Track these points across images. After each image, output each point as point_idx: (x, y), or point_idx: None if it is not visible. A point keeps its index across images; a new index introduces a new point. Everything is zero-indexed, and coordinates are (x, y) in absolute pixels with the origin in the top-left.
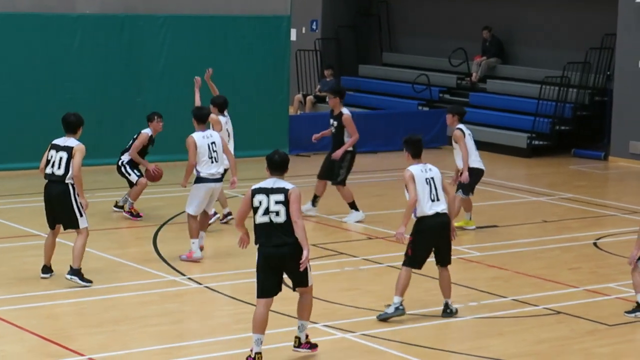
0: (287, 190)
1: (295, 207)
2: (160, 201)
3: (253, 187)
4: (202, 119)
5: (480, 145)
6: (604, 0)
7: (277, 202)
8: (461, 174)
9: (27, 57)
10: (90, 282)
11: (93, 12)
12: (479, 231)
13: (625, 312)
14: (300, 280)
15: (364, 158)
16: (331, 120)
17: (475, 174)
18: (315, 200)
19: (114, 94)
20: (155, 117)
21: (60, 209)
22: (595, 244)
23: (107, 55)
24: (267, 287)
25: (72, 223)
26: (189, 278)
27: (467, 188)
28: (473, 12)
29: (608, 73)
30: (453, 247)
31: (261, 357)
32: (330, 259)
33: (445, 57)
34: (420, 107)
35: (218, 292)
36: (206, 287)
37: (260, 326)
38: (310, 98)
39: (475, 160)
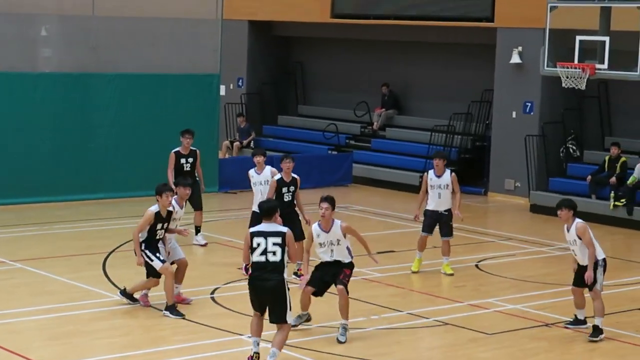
0: (284, 233)
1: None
2: (110, 232)
3: (252, 230)
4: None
5: (381, 184)
6: (483, 61)
7: (274, 244)
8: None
9: None
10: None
11: (51, 70)
12: (379, 255)
13: (565, 323)
14: (280, 315)
15: None
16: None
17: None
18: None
19: (69, 140)
20: (164, 192)
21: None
22: (477, 265)
23: (64, 107)
24: (257, 307)
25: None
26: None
27: (452, 230)
28: (374, 71)
29: (487, 122)
30: (358, 270)
31: (259, 357)
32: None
33: (351, 109)
34: (330, 152)
35: (159, 309)
36: (150, 305)
37: (255, 331)
38: (237, 144)
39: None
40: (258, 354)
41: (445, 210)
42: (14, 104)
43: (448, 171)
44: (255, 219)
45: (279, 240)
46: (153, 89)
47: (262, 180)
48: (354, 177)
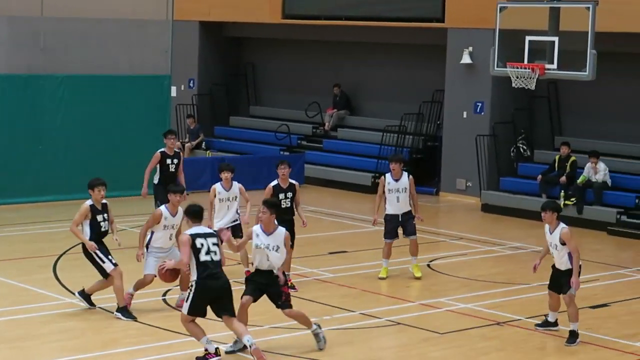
0: (216, 234)
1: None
2: (60, 235)
3: (190, 232)
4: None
5: (333, 184)
6: (434, 61)
7: (214, 244)
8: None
9: None
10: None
11: (1, 72)
12: (331, 255)
13: (536, 324)
14: (232, 308)
15: None
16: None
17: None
18: None
19: (19, 142)
20: (96, 187)
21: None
22: (429, 265)
23: (13, 109)
24: (202, 310)
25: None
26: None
27: (415, 228)
28: (325, 72)
29: (438, 122)
30: (310, 270)
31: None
32: None
33: (302, 110)
34: (281, 152)
35: (110, 311)
36: (100, 307)
37: (201, 332)
38: (188, 145)
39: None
40: (218, 348)
41: (405, 213)
42: None
43: (406, 174)
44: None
45: (216, 240)
46: (103, 91)
47: (230, 196)
48: (306, 178)
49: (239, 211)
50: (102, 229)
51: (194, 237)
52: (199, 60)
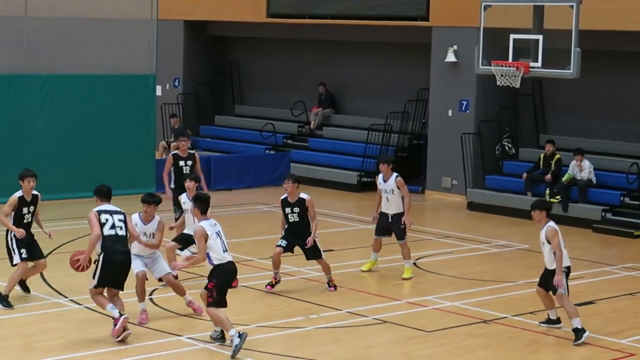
0: (124, 213)
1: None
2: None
3: (96, 209)
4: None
5: (318, 183)
6: (419, 60)
7: (120, 220)
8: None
9: None
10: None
11: None
12: None
13: (540, 322)
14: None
15: (220, 195)
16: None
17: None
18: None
19: (3, 143)
20: (25, 177)
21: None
22: (415, 263)
23: None
24: (109, 282)
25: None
26: (71, 300)
27: (404, 233)
28: (310, 71)
29: (423, 121)
30: (296, 269)
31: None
32: (191, 281)
33: (288, 109)
34: (267, 151)
35: (96, 311)
36: (86, 307)
37: (106, 302)
38: (173, 144)
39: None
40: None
41: (394, 214)
42: None
43: (394, 176)
44: (185, 240)
45: (123, 217)
46: (88, 90)
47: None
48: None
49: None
50: (25, 221)
51: (99, 212)
52: (184, 60)
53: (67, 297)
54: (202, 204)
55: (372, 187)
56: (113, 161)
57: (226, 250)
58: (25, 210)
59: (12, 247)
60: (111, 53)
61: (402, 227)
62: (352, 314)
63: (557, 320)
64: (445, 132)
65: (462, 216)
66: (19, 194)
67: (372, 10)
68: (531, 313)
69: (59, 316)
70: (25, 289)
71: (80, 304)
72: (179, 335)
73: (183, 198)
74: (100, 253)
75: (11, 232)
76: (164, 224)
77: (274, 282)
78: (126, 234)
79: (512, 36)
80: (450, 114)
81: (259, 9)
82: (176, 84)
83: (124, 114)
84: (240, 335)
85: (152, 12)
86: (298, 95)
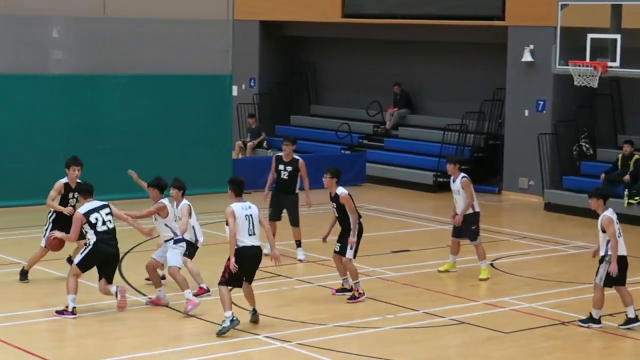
0: (108, 205)
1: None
2: (125, 233)
3: (81, 211)
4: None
5: (395, 183)
6: (495, 59)
7: (107, 214)
8: (454, 216)
9: (8, 111)
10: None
11: (62, 72)
12: (394, 254)
13: (579, 320)
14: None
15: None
16: (284, 166)
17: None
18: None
19: (79, 142)
20: (71, 166)
21: None
22: (492, 264)
23: (75, 109)
24: (88, 268)
25: None
26: (150, 298)
27: (475, 234)
28: (386, 70)
29: (499, 121)
30: (373, 269)
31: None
32: (269, 280)
33: (363, 109)
34: (342, 151)
35: (174, 309)
36: (167, 306)
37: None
38: (250, 144)
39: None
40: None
41: (465, 216)
42: (25, 106)
43: (460, 176)
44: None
45: (108, 210)
46: (164, 91)
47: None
48: (367, 177)
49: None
50: (69, 205)
51: (86, 215)
52: (260, 60)
53: (145, 295)
54: (235, 187)
55: (447, 187)
56: (189, 161)
57: (253, 234)
58: (70, 195)
59: (46, 230)
60: (187, 53)
61: (472, 228)
62: (429, 314)
63: (635, 319)
64: (521, 132)
65: (539, 217)
66: (64, 180)
67: (448, 10)
68: (610, 315)
69: (139, 313)
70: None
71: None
72: (256, 334)
73: (166, 202)
74: (95, 241)
75: (50, 217)
76: (187, 208)
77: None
78: (113, 225)
79: (589, 35)
80: (526, 113)
81: (335, 9)
82: (252, 84)
83: (200, 114)
84: (232, 320)
85: (228, 12)
86: (373, 95)
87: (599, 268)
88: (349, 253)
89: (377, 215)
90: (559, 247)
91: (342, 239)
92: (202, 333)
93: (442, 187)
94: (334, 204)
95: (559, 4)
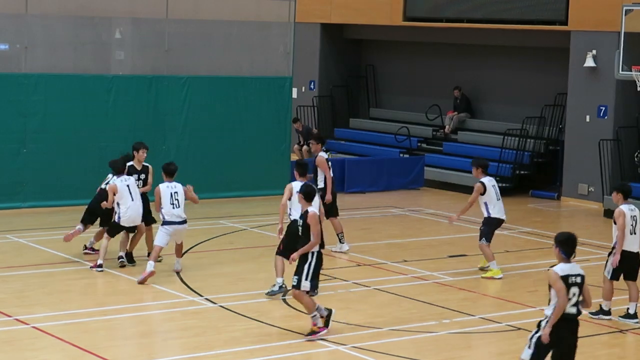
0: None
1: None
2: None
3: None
4: (170, 174)
5: (453, 187)
6: (557, 64)
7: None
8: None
9: (69, 110)
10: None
11: (125, 73)
12: (451, 259)
13: (590, 313)
14: None
15: (354, 197)
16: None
17: (495, 223)
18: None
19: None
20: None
21: None
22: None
23: (137, 110)
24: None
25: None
26: (206, 298)
27: (488, 235)
28: (446, 74)
29: (560, 126)
30: (428, 273)
31: None
32: (325, 283)
33: (423, 112)
34: (401, 155)
35: (231, 310)
36: (220, 306)
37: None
38: (305, 148)
39: (496, 210)
40: None
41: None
42: (88, 106)
43: (479, 179)
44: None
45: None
46: (225, 92)
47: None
48: (426, 181)
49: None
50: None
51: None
52: (320, 62)
53: (202, 296)
54: (300, 168)
55: (506, 192)
56: (249, 162)
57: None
58: (135, 177)
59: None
60: (249, 55)
61: (481, 228)
62: (485, 319)
63: (634, 316)
64: (582, 138)
65: (599, 224)
66: (129, 163)
67: (509, 14)
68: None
69: (195, 314)
70: (131, 260)
71: (215, 303)
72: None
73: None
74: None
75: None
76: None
77: None
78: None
79: None
80: (588, 119)
81: (396, 12)
82: (312, 86)
83: (261, 116)
84: (280, 287)
85: (290, 14)
86: (433, 99)
87: (607, 260)
88: (304, 285)
89: (435, 219)
90: None
91: (299, 270)
92: (259, 334)
93: (501, 192)
94: (301, 221)
95: (623, 8)
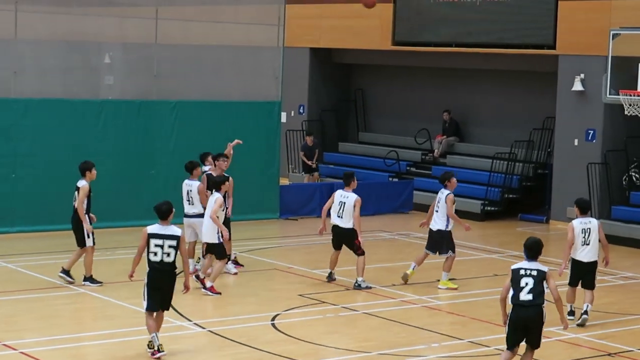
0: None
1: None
2: None
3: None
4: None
5: None
6: (545, 88)
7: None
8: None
9: (58, 135)
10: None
11: (114, 98)
12: (440, 283)
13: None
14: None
15: None
16: None
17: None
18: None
19: (131, 167)
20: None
21: None
22: None
23: (126, 134)
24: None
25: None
26: (195, 323)
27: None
28: (435, 98)
29: (549, 150)
30: (417, 297)
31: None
32: (313, 307)
33: (412, 136)
34: (390, 179)
35: (220, 335)
36: (209, 331)
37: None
38: (315, 174)
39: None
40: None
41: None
42: (77, 131)
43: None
44: None
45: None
46: (215, 116)
47: None
48: (415, 204)
49: None
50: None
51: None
52: (309, 86)
53: (191, 321)
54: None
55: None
56: (238, 187)
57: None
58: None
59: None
60: (238, 80)
61: (443, 241)
62: (474, 343)
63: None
64: (571, 162)
65: None
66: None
67: (498, 39)
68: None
69: (185, 339)
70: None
71: (204, 328)
72: None
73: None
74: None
75: None
76: None
77: None
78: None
79: None
80: (576, 143)
81: (385, 36)
82: (301, 110)
83: (250, 140)
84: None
85: (279, 39)
86: (422, 122)
87: None
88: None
89: (424, 243)
90: (607, 277)
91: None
92: (248, 359)
93: (490, 215)
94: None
95: (610, 33)
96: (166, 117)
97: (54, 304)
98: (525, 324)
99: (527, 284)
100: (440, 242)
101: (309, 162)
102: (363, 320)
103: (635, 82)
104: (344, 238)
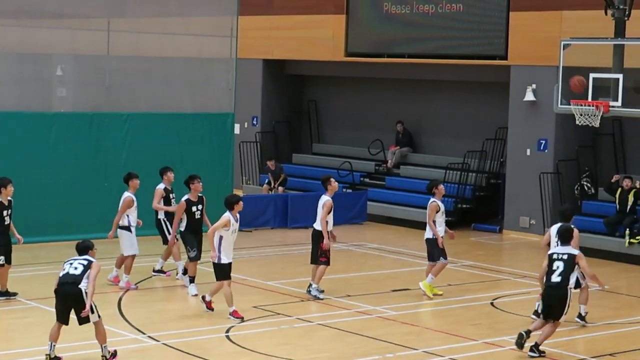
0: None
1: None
2: None
3: None
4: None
5: (396, 222)
6: (497, 98)
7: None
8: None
9: (11, 148)
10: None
11: (66, 110)
12: (394, 293)
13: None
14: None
15: (298, 232)
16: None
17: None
18: None
19: (84, 179)
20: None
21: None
22: (492, 303)
23: (79, 147)
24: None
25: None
26: (149, 336)
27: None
28: (388, 109)
29: (501, 160)
30: (371, 307)
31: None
32: (268, 319)
33: (365, 147)
34: (344, 190)
35: (173, 347)
36: (163, 343)
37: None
38: (281, 189)
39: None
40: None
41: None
42: (29, 143)
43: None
44: None
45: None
46: (167, 128)
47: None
48: (369, 215)
49: None
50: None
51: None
52: (262, 98)
53: (144, 334)
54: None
55: (450, 226)
56: None
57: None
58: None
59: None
60: (191, 92)
61: (434, 249)
62: (428, 353)
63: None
64: (523, 171)
65: (540, 256)
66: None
67: (450, 49)
68: (610, 355)
69: (138, 352)
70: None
71: (158, 341)
72: None
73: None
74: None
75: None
76: None
77: None
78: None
79: (591, 75)
80: (528, 153)
81: (338, 48)
82: (254, 122)
83: (203, 152)
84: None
85: (232, 51)
86: (375, 133)
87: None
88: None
89: (378, 254)
90: None
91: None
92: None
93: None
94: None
95: (561, 43)
96: (118, 129)
97: (6, 318)
98: (550, 302)
99: (558, 267)
100: (432, 251)
101: (274, 186)
102: (318, 332)
103: (586, 92)
104: (313, 240)
